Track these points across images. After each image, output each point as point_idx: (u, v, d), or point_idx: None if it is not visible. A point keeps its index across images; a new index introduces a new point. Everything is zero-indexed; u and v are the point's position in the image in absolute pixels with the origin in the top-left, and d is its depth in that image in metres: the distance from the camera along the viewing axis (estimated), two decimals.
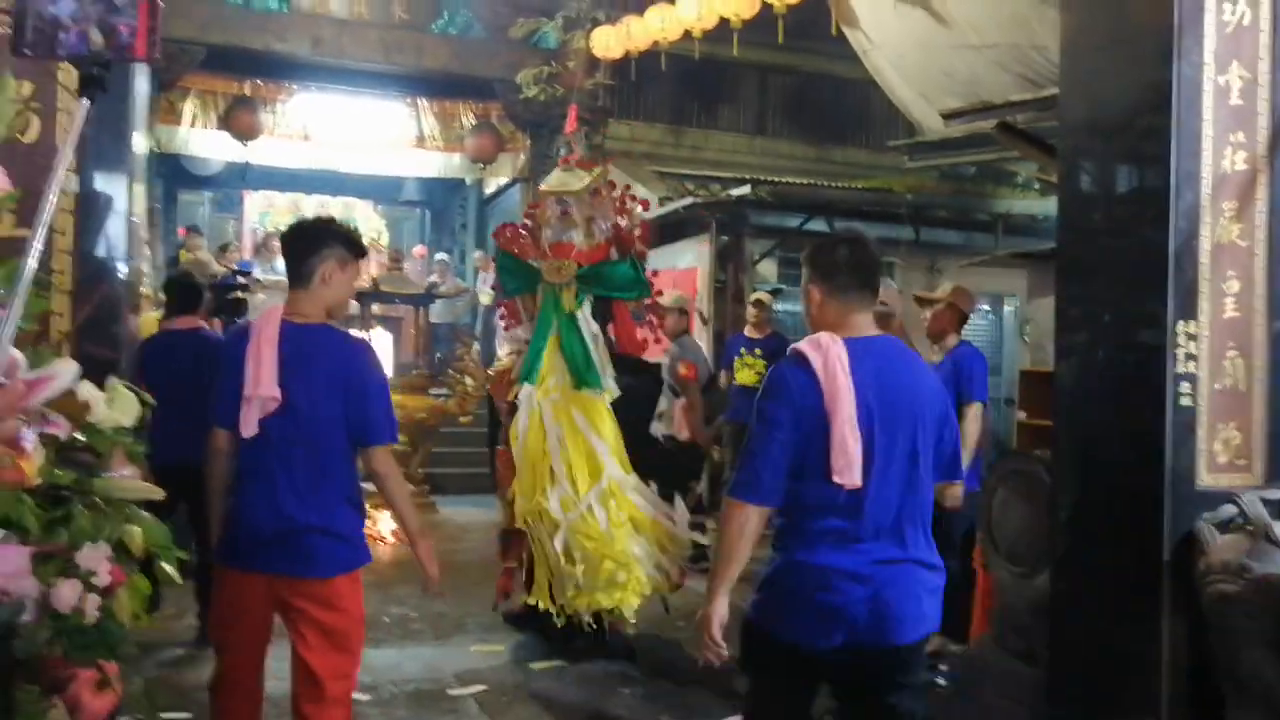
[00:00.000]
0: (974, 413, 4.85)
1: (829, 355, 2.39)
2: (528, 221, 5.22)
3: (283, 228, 6.49)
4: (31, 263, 1.17)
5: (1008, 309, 10.34)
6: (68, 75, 3.37)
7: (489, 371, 6.65)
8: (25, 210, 3.15)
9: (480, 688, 4.52)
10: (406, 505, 3.00)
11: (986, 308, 10.41)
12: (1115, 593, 3.25)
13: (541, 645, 5.06)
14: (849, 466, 2.34)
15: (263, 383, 2.76)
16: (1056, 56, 3.88)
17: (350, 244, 2.96)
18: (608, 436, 4.74)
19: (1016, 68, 6.35)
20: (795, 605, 2.42)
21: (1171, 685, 3.06)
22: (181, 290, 5.21)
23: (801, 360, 2.42)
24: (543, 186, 5.28)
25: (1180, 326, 3.09)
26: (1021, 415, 6.91)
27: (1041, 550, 3.90)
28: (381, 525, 7.47)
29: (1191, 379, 3.10)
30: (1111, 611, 3.26)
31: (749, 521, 2.42)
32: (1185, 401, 3.09)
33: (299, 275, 2.91)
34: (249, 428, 2.79)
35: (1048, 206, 8.97)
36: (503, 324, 5.56)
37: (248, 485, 2.84)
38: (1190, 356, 3.10)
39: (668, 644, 5.23)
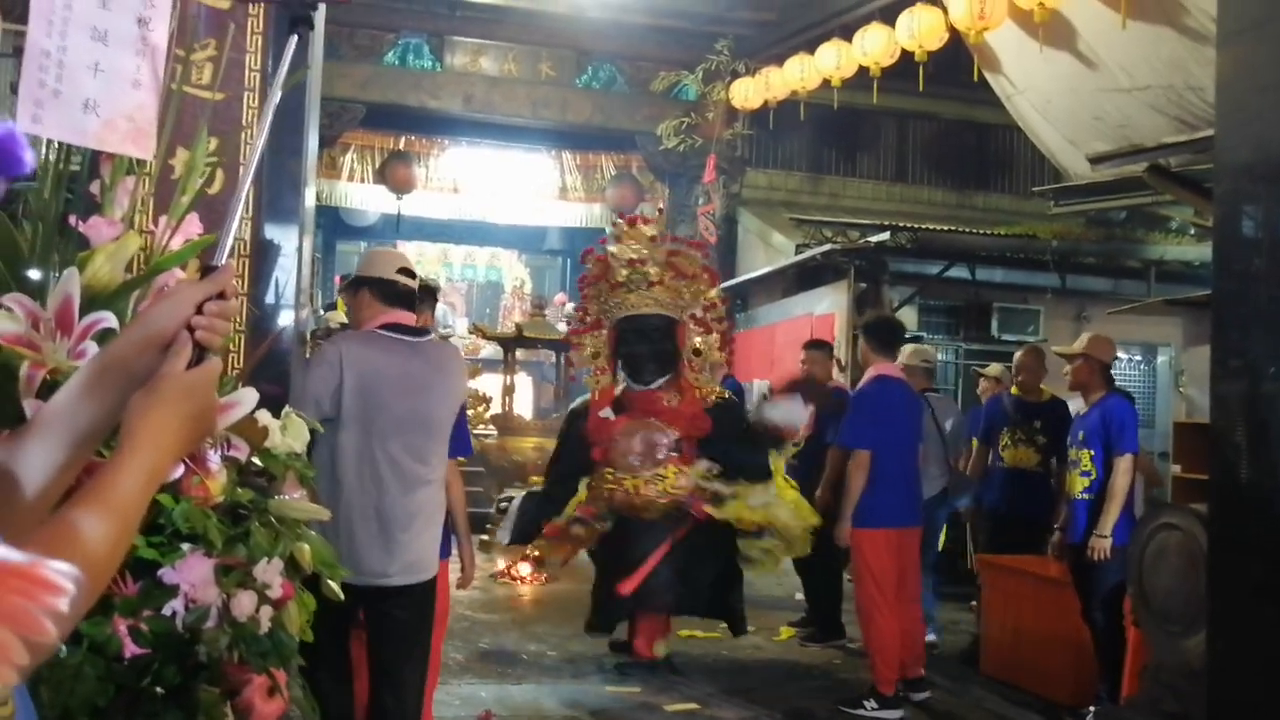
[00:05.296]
0: (1124, 465, 4.68)
1: None
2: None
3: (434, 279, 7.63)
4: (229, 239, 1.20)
5: (1161, 359, 9.86)
6: (249, 132, 3.68)
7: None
8: (207, 258, 3.43)
9: None
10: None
11: (1139, 357, 9.96)
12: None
13: (677, 688, 5.08)
14: None
15: None
16: (1213, 97, 3.75)
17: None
18: None
19: (1171, 110, 6.14)
20: None
21: None
22: None
23: None
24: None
25: None
26: (1176, 469, 6.58)
27: (1196, 608, 3.71)
28: (521, 567, 7.65)
29: None
30: (1277, 675, 3.07)
31: None
32: None
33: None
34: None
35: (1203, 252, 8.53)
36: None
37: None
38: None
39: (802, 692, 5.19)
